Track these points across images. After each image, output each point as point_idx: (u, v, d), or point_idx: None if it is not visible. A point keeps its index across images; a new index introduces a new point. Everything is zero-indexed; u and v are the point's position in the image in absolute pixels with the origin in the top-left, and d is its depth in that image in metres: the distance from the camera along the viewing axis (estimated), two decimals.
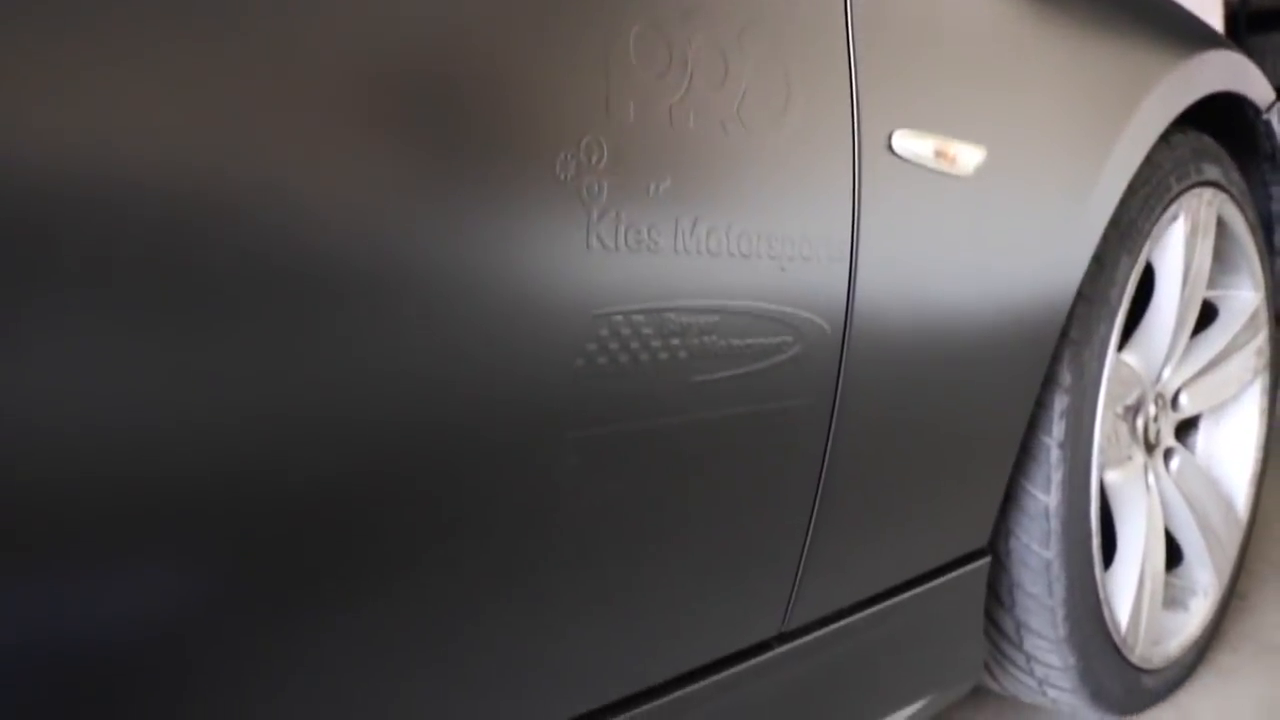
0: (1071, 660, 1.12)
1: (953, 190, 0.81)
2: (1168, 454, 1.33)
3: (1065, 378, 1.03)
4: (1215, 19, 4.90)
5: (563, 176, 0.55)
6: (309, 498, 0.49)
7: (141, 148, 0.42)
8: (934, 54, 0.81)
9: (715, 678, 0.74)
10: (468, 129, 0.52)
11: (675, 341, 0.62)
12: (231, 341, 0.45)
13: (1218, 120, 1.38)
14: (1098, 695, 1.18)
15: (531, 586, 0.60)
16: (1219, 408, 1.46)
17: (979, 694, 1.32)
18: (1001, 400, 0.95)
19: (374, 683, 0.54)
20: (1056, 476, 1.04)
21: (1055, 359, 1.02)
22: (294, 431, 0.48)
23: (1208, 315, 1.42)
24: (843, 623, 0.85)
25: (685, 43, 0.61)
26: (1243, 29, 6.56)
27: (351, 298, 0.48)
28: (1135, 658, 1.22)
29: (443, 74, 0.51)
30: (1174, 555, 1.39)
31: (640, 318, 0.60)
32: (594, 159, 0.56)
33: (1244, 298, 1.42)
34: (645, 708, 0.70)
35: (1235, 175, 1.34)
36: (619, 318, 0.59)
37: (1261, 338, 1.45)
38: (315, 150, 0.46)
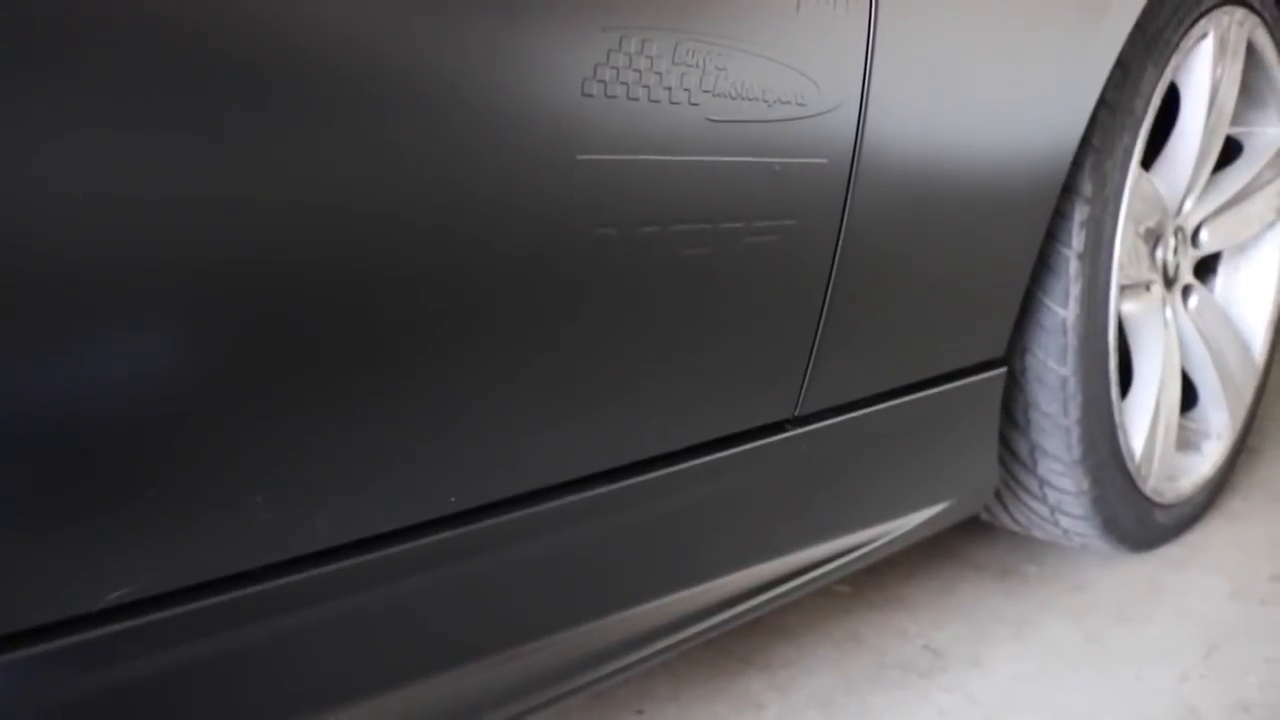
0: (1085, 485, 1.11)
1: None
2: (1186, 291, 1.31)
3: (1086, 187, 1.00)
4: None
5: None
6: (317, 230, 0.47)
7: None
8: None
9: (727, 453, 0.73)
10: None
11: (689, 73, 0.59)
12: (263, 134, 0.43)
13: None
14: (1109, 525, 1.17)
15: (534, 331, 0.58)
16: (1239, 248, 1.43)
17: (989, 530, 1.31)
18: (1019, 204, 0.92)
19: (356, 421, 0.53)
20: (1075, 290, 1.01)
21: (1076, 167, 0.99)
22: (310, 164, 0.45)
23: (1232, 153, 1.38)
24: (855, 414, 0.83)
25: None
26: None
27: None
28: (1148, 489, 1.21)
29: None
30: (1190, 397, 1.37)
31: (652, 38, 0.57)
32: None
33: (1270, 135, 1.38)
34: (652, 475, 0.68)
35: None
36: (634, 34, 0.56)
37: None
38: None
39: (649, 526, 0.70)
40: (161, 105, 0.41)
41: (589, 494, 0.65)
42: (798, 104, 0.66)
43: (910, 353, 0.88)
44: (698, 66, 0.59)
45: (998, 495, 1.17)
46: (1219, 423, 1.38)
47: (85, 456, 0.44)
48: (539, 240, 0.56)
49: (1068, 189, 0.99)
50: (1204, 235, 1.31)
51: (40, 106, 0.39)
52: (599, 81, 0.55)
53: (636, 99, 0.57)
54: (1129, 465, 1.16)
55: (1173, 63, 1.10)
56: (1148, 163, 1.19)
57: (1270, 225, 1.42)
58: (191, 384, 0.46)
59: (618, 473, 0.66)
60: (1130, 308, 1.18)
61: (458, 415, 0.57)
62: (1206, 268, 1.46)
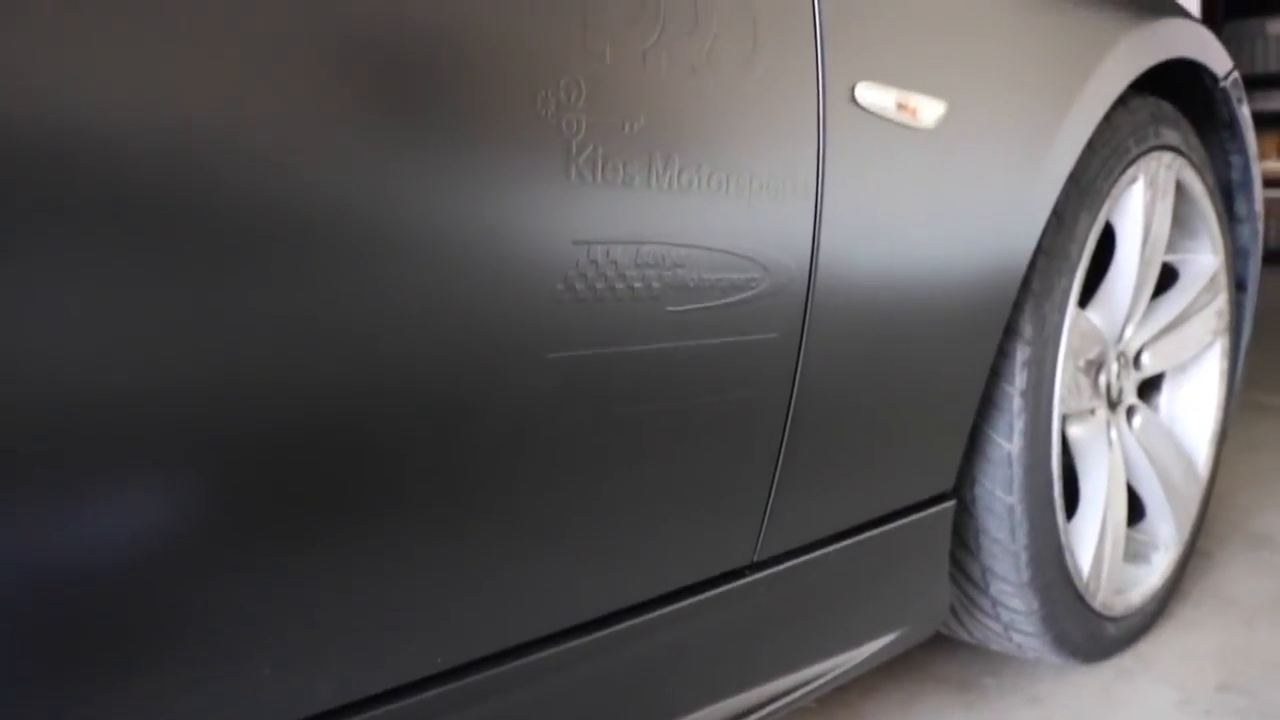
0: (1035, 604, 1.17)
1: (914, 142, 0.86)
2: (1130, 411, 1.38)
3: (1027, 329, 1.08)
4: (1192, 2, 4.96)
5: (543, 112, 0.59)
6: (304, 416, 0.53)
7: (134, 96, 0.45)
8: (898, 8, 0.85)
9: (692, 600, 0.78)
10: (455, 68, 0.56)
11: (650, 272, 0.66)
12: (223, 275, 0.49)
13: (1179, 88, 1.43)
14: (1061, 640, 1.22)
15: (511, 505, 0.64)
16: (1181, 368, 1.51)
17: (949, 643, 1.36)
18: (963, 347, 0.99)
19: (351, 594, 0.58)
20: (1019, 424, 1.08)
21: (1017, 310, 1.07)
22: (292, 353, 0.52)
23: (1170, 278, 1.47)
24: (812, 555, 0.89)
25: None
26: (1220, 14, 6.64)
27: (345, 226, 0.52)
28: (1097, 604, 1.27)
29: (430, 17, 0.55)
30: (1138, 510, 1.44)
31: (618, 248, 0.64)
32: (573, 97, 0.60)
33: (1203, 261, 1.47)
34: (625, 625, 0.74)
35: (1194, 141, 1.38)
36: (597, 246, 0.63)
37: (1221, 300, 1.50)
38: (307, 87, 0.50)
39: (620, 673, 0.75)
40: (145, 293, 0.48)
41: (566, 646, 0.70)
42: (749, 288, 0.73)
43: (863, 494, 0.94)
44: (657, 266, 0.66)
45: (955, 612, 1.23)
46: (1166, 535, 1.45)
47: (92, 627, 0.49)
48: (514, 427, 0.62)
49: (1009, 331, 1.07)
50: (1146, 358, 1.39)
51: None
52: (569, 288, 0.62)
53: (603, 300, 0.64)
54: (1077, 584, 1.22)
55: (1105, 208, 1.18)
56: (1089, 294, 1.27)
57: (1208, 345, 1.51)
58: (201, 565, 0.52)
59: (591, 625, 0.72)
60: (1076, 432, 1.26)
61: (442, 581, 0.62)
62: (1152, 385, 1.54)
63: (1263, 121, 8.14)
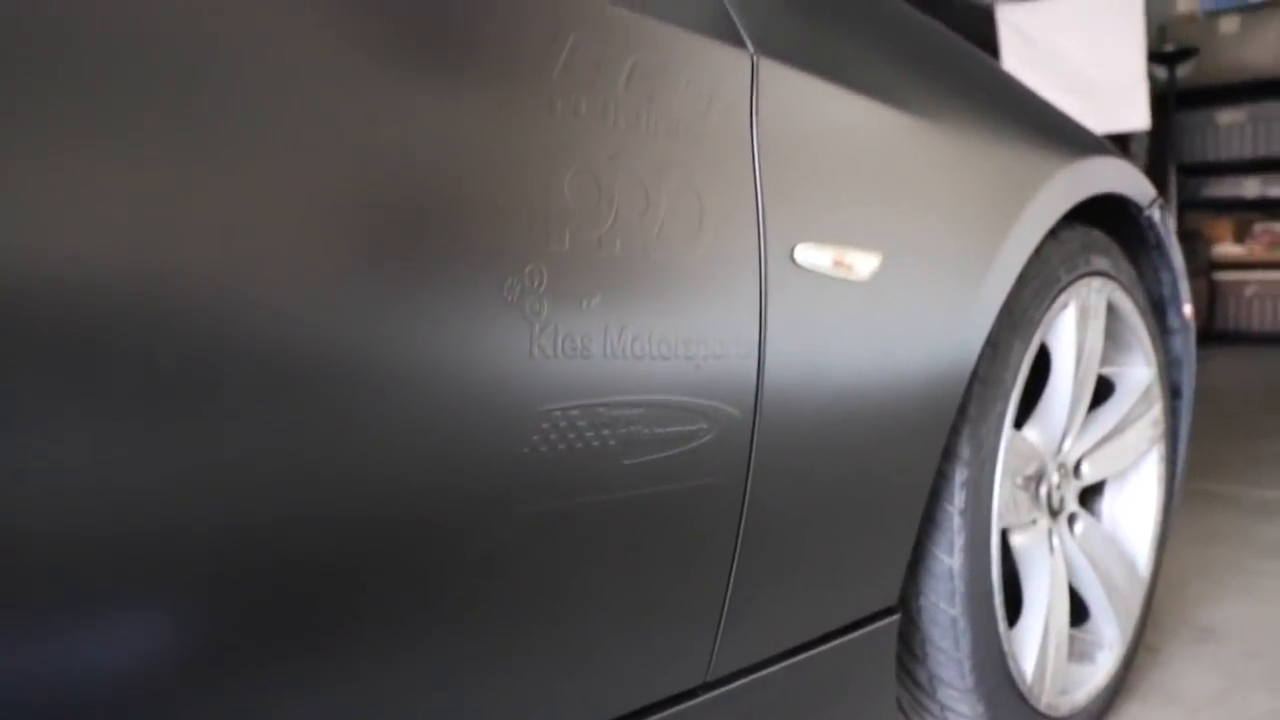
0: (980, 708, 1.23)
1: (851, 293, 0.94)
2: (1072, 518, 1.46)
3: (964, 452, 1.16)
4: (1141, 97, 5.16)
5: (509, 298, 0.67)
6: (290, 566, 0.60)
7: (118, 247, 0.53)
8: (831, 174, 0.94)
9: (651, 718, 0.85)
10: (430, 259, 0.64)
11: (606, 431, 0.74)
12: (203, 435, 0.56)
13: (1111, 213, 1.53)
14: None
15: (477, 638, 0.71)
16: (1120, 475, 1.60)
17: None
18: (902, 473, 1.07)
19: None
20: (959, 541, 1.16)
21: (955, 434, 1.15)
22: (284, 508, 0.59)
23: (1108, 389, 1.56)
24: (763, 673, 0.96)
25: (612, 181, 0.73)
26: (1171, 106, 6.88)
27: (324, 396, 0.60)
28: (1042, 706, 1.34)
29: (409, 214, 0.63)
30: (1082, 611, 1.51)
31: (576, 412, 0.72)
32: (535, 283, 0.68)
33: (1138, 374, 1.56)
34: None
35: (1124, 264, 1.48)
36: (558, 412, 0.71)
37: (1156, 410, 1.59)
38: (290, 263, 0.58)
39: None
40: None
41: None
42: (697, 437, 0.80)
43: (811, 611, 1.01)
44: (612, 425, 0.74)
45: (906, 716, 1.29)
46: (1110, 634, 1.52)
47: None
48: (480, 568, 0.69)
49: (948, 454, 1.15)
50: (1085, 468, 1.47)
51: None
52: (534, 450, 0.69)
53: (564, 458, 0.71)
54: (1021, 687, 1.29)
55: (1038, 334, 1.27)
56: (1029, 409, 1.36)
57: (1146, 452, 1.59)
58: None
59: None
60: (1018, 540, 1.34)
61: (406, 707, 0.69)
62: (1095, 491, 1.62)
63: (1217, 206, 8.41)
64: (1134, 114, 5.11)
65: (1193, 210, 7.69)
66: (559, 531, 0.73)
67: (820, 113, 0.93)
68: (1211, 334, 7.54)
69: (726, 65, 0.83)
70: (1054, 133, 1.32)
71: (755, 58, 0.85)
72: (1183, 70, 6.83)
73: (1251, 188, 7.64)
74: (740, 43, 0.85)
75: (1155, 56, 6.68)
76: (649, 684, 0.86)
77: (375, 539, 0.63)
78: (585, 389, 0.72)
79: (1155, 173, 6.80)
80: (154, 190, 0.52)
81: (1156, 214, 1.54)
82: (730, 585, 0.89)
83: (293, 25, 0.58)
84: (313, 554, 0.61)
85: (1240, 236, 7.70)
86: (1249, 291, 7.48)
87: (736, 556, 0.88)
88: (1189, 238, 7.37)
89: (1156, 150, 6.77)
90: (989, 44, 5.45)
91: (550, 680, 0.77)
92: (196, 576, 0.56)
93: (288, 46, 0.58)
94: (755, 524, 0.89)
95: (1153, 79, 6.76)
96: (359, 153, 0.60)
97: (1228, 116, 7.54)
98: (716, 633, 0.90)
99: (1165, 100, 6.85)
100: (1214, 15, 7.71)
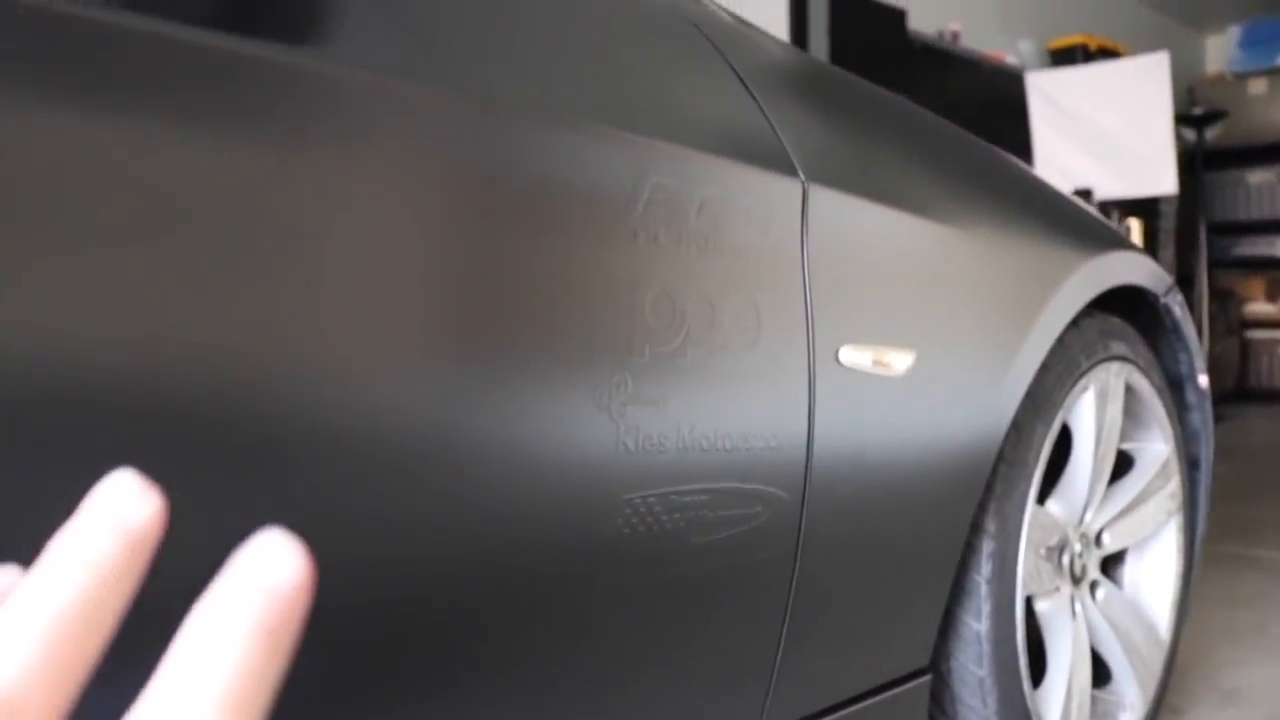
0: None
1: (888, 387, 1.06)
2: (1094, 585, 1.56)
3: (991, 526, 1.27)
4: (1169, 163, 5.27)
5: (599, 403, 0.80)
6: (417, 634, 0.72)
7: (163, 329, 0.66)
8: (872, 282, 1.07)
9: None
10: (539, 370, 0.76)
11: (678, 515, 0.86)
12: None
13: (1129, 299, 1.65)
14: None
15: (566, 695, 0.83)
16: (1140, 544, 1.69)
17: None
18: (934, 546, 1.18)
19: None
20: (986, 608, 1.27)
21: (982, 509, 1.26)
22: (409, 576, 0.71)
23: (1128, 464, 1.66)
24: None
25: (684, 299, 0.86)
26: (1199, 166, 6.97)
27: (452, 484, 0.72)
28: None
29: (525, 333, 0.75)
30: (1105, 673, 1.60)
31: (654, 499, 0.84)
32: (621, 389, 0.81)
33: (1156, 449, 1.66)
34: None
35: (1141, 348, 1.59)
36: (639, 499, 0.83)
37: (1174, 483, 1.69)
38: (431, 375, 0.71)
39: None
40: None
41: None
42: (754, 519, 0.92)
43: (851, 672, 1.12)
44: (684, 510, 0.86)
45: None
46: (1131, 696, 1.61)
47: None
48: (573, 630, 0.81)
49: (976, 527, 1.26)
50: (1106, 538, 1.57)
51: None
52: (618, 531, 0.82)
53: (644, 538, 0.83)
54: None
55: (1059, 416, 1.38)
56: (1053, 483, 1.47)
57: (1164, 523, 1.69)
58: None
59: None
60: (1042, 607, 1.44)
61: None
62: (1117, 558, 1.72)
63: (1248, 265, 8.42)
64: (1162, 179, 5.22)
65: (1224, 269, 7.75)
66: (636, 601, 0.85)
67: (861, 228, 1.06)
68: (1244, 392, 7.57)
69: (781, 193, 0.96)
70: (1076, 230, 1.44)
71: (806, 185, 0.98)
72: (1212, 131, 6.93)
73: None
74: (793, 172, 0.98)
75: (1184, 119, 6.79)
76: None
77: (491, 607, 0.75)
78: (661, 479, 0.84)
79: (1186, 232, 6.89)
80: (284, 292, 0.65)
81: (1172, 300, 1.66)
82: (781, 648, 1.00)
83: (437, 184, 0.71)
84: (437, 623, 0.73)
85: (1272, 295, 7.74)
86: None
87: (787, 622, 1.00)
88: (1220, 296, 7.43)
89: (1187, 210, 6.85)
90: (1020, 108, 5.59)
91: None
92: (310, 667, 0.69)
93: (440, 211, 0.71)
94: (803, 593, 1.00)
95: (1182, 140, 6.88)
96: (494, 286, 0.73)
97: (1258, 176, 7.63)
98: (768, 689, 1.01)
99: (1194, 160, 6.95)
100: (1243, 76, 7.83)
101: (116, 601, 0.23)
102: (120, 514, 0.24)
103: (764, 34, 1.21)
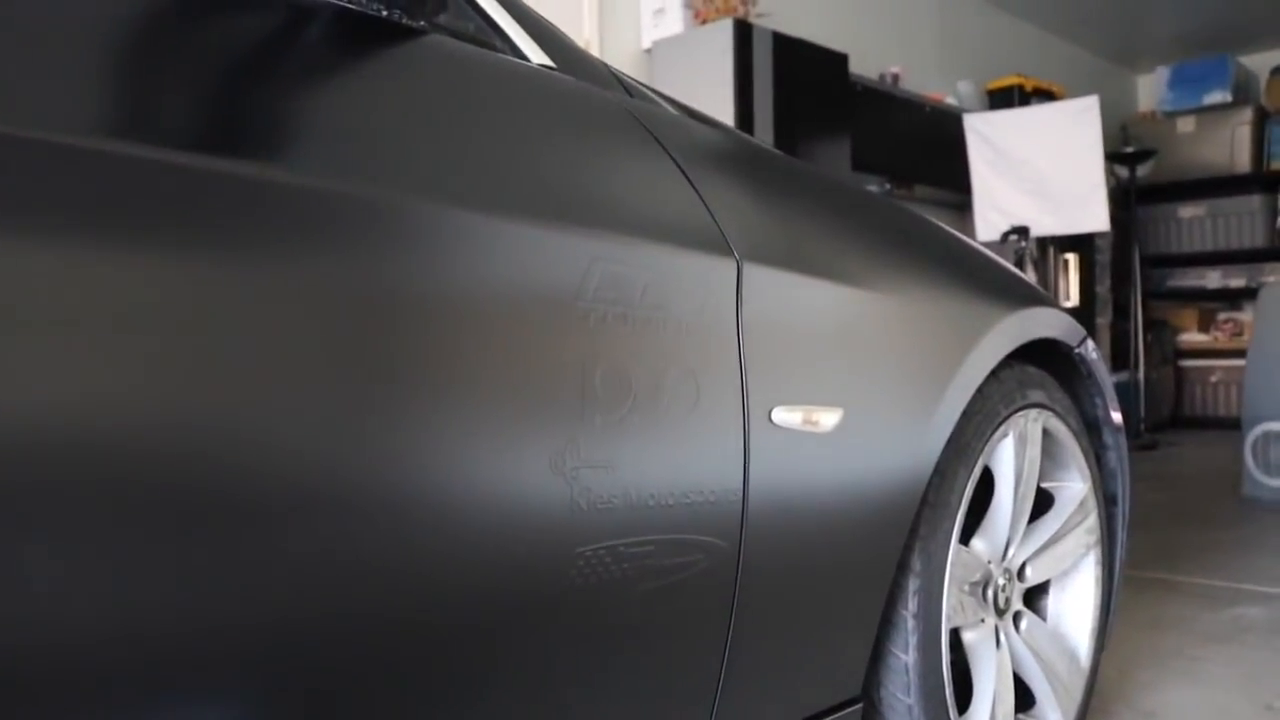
0: None
1: (818, 443, 1.17)
2: (1017, 616, 1.67)
3: (916, 564, 1.38)
4: (1100, 202, 5.48)
5: (555, 468, 0.89)
6: (379, 672, 0.81)
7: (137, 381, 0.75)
8: (801, 347, 1.17)
9: None
10: (499, 439, 0.86)
11: (626, 565, 0.95)
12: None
13: (1046, 347, 1.77)
14: None
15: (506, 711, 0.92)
16: (1062, 576, 1.81)
17: None
18: (862, 585, 1.29)
19: None
20: (913, 640, 1.37)
21: (908, 549, 1.37)
22: (373, 623, 0.80)
23: (1049, 501, 1.78)
24: None
25: (630, 372, 0.96)
26: (1133, 202, 7.22)
27: (421, 538, 0.81)
28: None
29: (488, 406, 0.85)
30: (1029, 698, 1.71)
31: (604, 550, 0.94)
32: (574, 454, 0.91)
33: (1074, 488, 1.78)
34: None
35: (1058, 394, 1.72)
36: (590, 551, 0.92)
37: (1092, 519, 1.81)
38: (403, 444, 0.80)
39: None
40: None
41: None
42: (695, 566, 1.02)
43: (786, 700, 1.22)
44: (630, 559, 0.96)
45: None
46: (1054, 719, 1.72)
47: None
48: (524, 667, 0.91)
49: (902, 566, 1.37)
50: (1028, 571, 1.69)
51: None
52: (571, 582, 0.91)
53: (594, 586, 0.93)
54: None
55: (980, 461, 1.50)
56: (977, 522, 1.58)
57: (1083, 556, 1.81)
58: None
59: None
60: (968, 637, 1.55)
61: None
62: (1041, 590, 1.83)
63: (1182, 296, 8.67)
64: (1093, 218, 5.43)
65: (1158, 300, 8.01)
66: (589, 644, 0.94)
67: (792, 298, 1.17)
68: (1178, 419, 7.82)
69: (718, 272, 1.07)
70: (994, 288, 1.57)
71: (740, 263, 1.09)
72: (1144, 169, 7.19)
73: (1214, 279, 7.98)
74: (728, 252, 1.08)
75: (1117, 157, 7.04)
76: None
77: (456, 648, 0.84)
78: (611, 533, 0.94)
79: (1121, 265, 7.12)
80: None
81: (1085, 350, 1.79)
82: (721, 682, 1.10)
83: (395, 275, 0.81)
84: (402, 659, 0.82)
85: (1204, 325, 8.01)
86: (1214, 378, 7.76)
87: (726, 657, 1.10)
88: (1155, 327, 7.68)
89: (1122, 243, 7.08)
90: (960, 147, 5.78)
91: None
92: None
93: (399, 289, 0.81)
94: (741, 631, 1.10)
95: (1116, 177, 7.12)
96: (459, 367, 0.83)
97: (1189, 211, 7.92)
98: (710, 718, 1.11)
99: (1128, 195, 7.20)
100: (1172, 115, 8.13)
101: None
102: None
103: (701, 119, 1.33)
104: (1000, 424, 1.55)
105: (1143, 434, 6.74)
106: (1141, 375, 6.97)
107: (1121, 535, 1.97)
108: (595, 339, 0.94)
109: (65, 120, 0.67)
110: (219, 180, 0.72)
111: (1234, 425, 7.75)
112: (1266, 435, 4.43)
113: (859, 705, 1.34)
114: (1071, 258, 6.40)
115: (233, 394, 0.71)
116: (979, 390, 1.49)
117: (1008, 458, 1.58)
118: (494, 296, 0.87)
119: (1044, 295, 1.71)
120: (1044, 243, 5.93)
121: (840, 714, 1.31)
